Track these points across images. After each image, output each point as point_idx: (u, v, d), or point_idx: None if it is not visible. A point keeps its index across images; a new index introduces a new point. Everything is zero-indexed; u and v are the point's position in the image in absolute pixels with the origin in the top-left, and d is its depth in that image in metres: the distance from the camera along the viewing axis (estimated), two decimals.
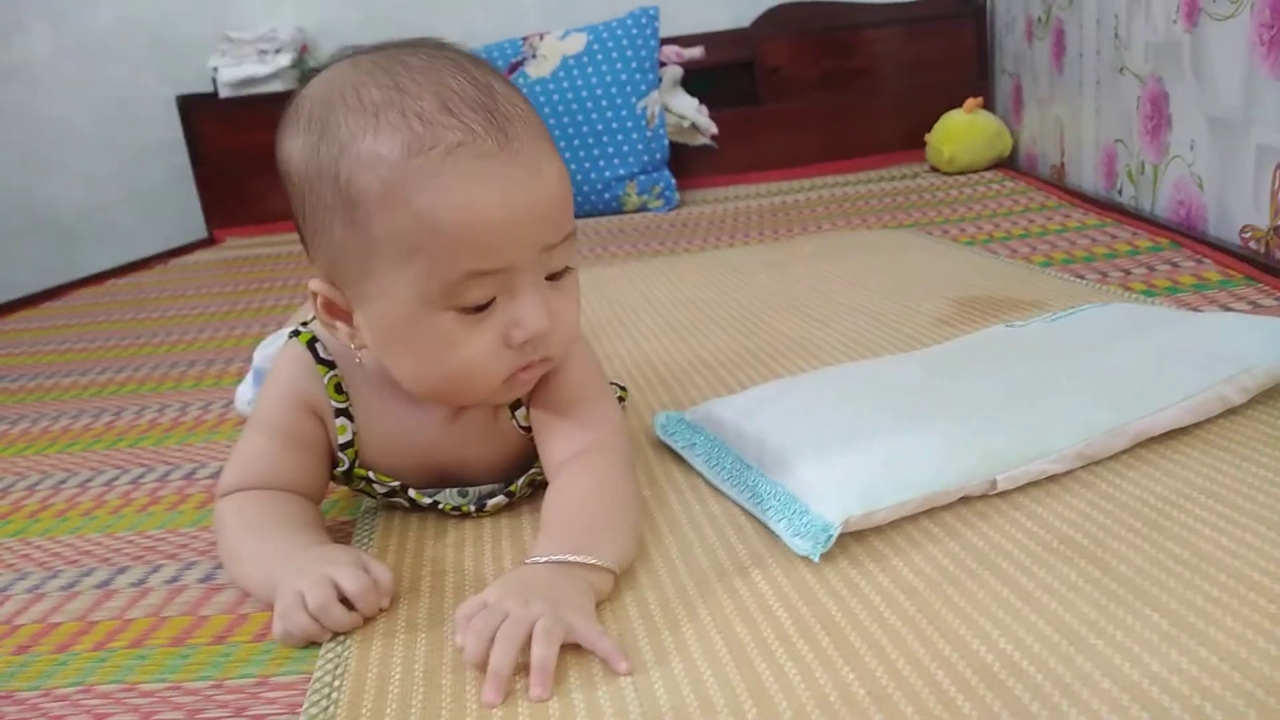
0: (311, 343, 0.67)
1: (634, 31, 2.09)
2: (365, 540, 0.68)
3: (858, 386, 0.72)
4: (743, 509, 0.65)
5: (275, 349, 0.95)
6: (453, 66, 0.58)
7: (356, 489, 0.70)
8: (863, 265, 1.32)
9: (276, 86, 2.25)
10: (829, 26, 2.28)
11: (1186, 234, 1.24)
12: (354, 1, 2.36)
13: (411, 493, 0.68)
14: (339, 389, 0.67)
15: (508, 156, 0.56)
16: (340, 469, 0.68)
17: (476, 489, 0.70)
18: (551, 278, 0.60)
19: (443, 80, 0.57)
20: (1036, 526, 0.59)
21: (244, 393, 0.97)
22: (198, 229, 2.34)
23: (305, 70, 2.34)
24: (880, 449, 0.61)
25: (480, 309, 0.58)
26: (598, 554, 0.56)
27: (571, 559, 0.55)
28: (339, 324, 0.62)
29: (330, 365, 0.67)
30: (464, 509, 0.69)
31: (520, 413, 0.68)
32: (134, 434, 0.99)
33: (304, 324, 0.69)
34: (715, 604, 0.55)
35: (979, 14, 2.21)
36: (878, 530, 0.60)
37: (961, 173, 2.03)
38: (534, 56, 2.11)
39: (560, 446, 0.65)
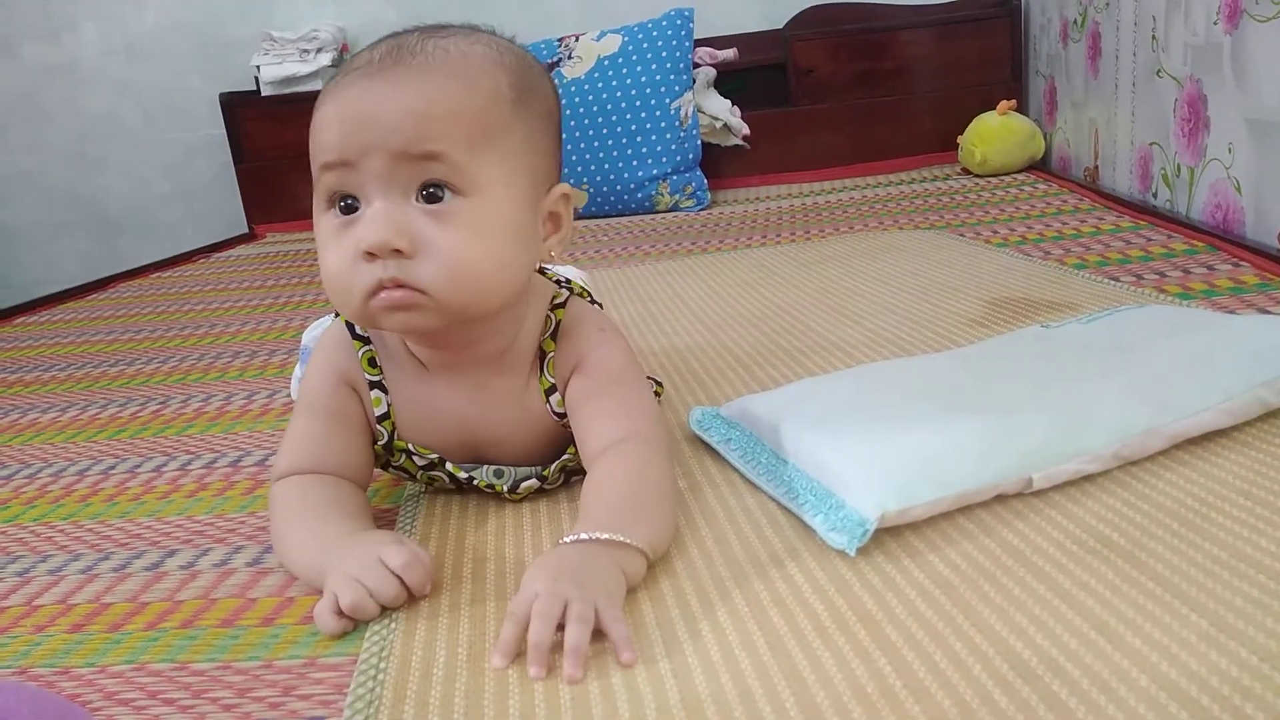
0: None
1: (669, 33, 2.10)
2: (408, 528, 0.70)
3: (893, 384, 0.72)
4: (778, 503, 0.66)
5: (320, 331, 0.98)
6: (439, 30, 0.62)
7: (397, 466, 0.72)
8: (895, 266, 1.32)
9: (317, 85, 2.28)
10: (862, 28, 2.28)
11: (1223, 237, 1.23)
12: (393, 1, 2.38)
13: (449, 466, 0.70)
14: (373, 363, 0.69)
15: (380, 74, 0.59)
16: (380, 442, 0.69)
17: (512, 471, 0.71)
18: (430, 200, 0.59)
19: (406, 35, 0.62)
20: (1073, 525, 0.59)
21: (296, 373, 1.00)
22: (239, 224, 2.38)
23: None
24: (917, 446, 0.62)
25: (348, 212, 0.60)
26: (630, 534, 0.57)
27: (603, 536, 0.56)
28: None
29: (365, 341, 0.69)
30: (498, 489, 0.70)
31: (555, 399, 0.69)
32: (180, 422, 1.02)
33: None
34: (751, 594, 0.56)
35: (1013, 15, 2.20)
36: (913, 526, 0.60)
37: (994, 175, 2.02)
38: (570, 57, 2.13)
39: (597, 435, 0.66)
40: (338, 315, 0.71)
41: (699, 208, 2.07)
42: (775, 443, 0.69)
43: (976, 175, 2.05)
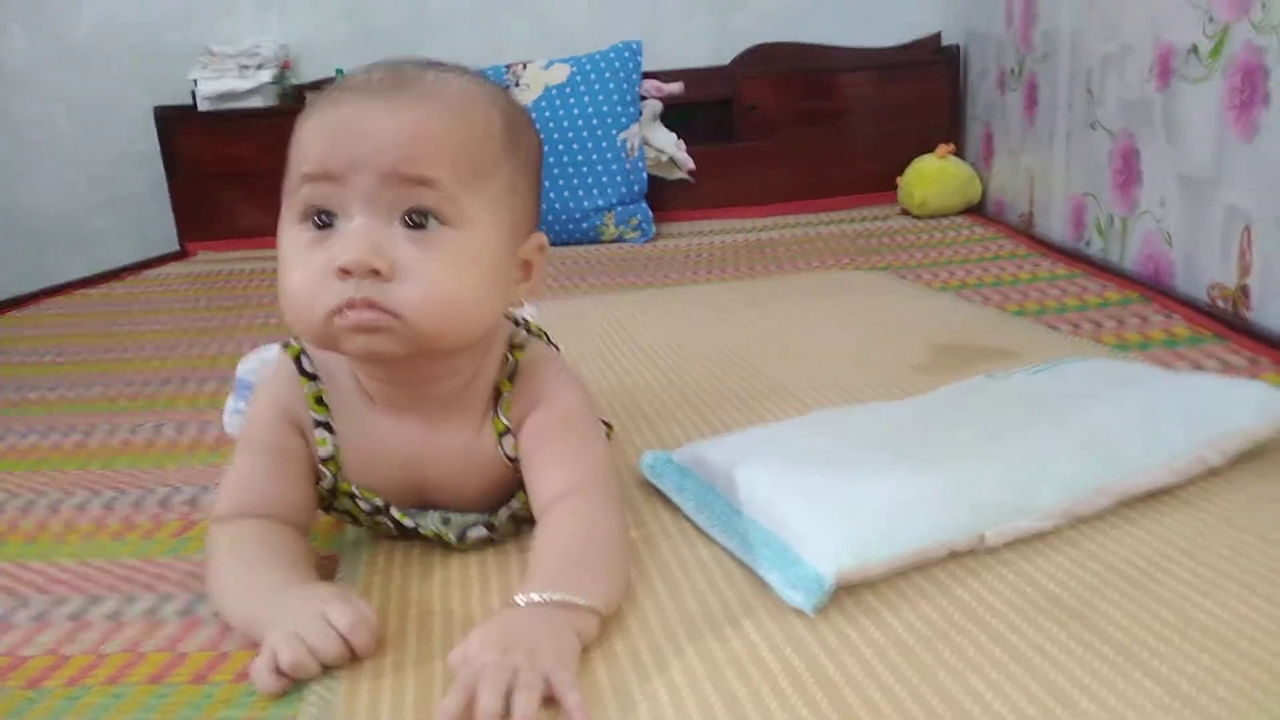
0: (299, 356, 0.67)
1: (616, 64, 2.11)
2: (349, 577, 0.67)
3: (846, 434, 0.72)
4: (732, 556, 0.65)
5: (257, 362, 0.95)
6: (436, 64, 0.63)
7: (340, 510, 0.69)
8: (840, 306, 1.33)
9: (257, 102, 2.23)
10: (806, 68, 2.32)
11: (1155, 288, 1.27)
12: (339, 20, 2.35)
13: (394, 512, 0.68)
14: (320, 401, 0.67)
15: (378, 95, 0.59)
16: (324, 484, 0.67)
17: (459, 518, 0.69)
18: (414, 226, 0.58)
19: (404, 64, 0.62)
20: (1024, 584, 0.59)
21: (230, 405, 0.96)
22: (170, 239, 2.30)
23: (287, 87, 2.33)
24: (873, 501, 0.62)
25: (321, 228, 0.59)
26: (584, 594, 0.55)
27: (555, 598, 0.55)
28: None
29: (313, 378, 0.67)
30: (444, 538, 0.68)
31: (508, 442, 0.67)
32: (106, 454, 0.97)
33: (295, 338, 0.70)
34: (706, 652, 0.55)
35: (951, 63, 2.26)
36: (869, 585, 0.60)
37: (932, 216, 2.06)
38: (517, 85, 2.12)
39: (549, 484, 0.64)
40: (287, 346, 0.69)
41: (644, 239, 2.07)
42: (729, 492, 0.68)
43: (915, 216, 2.09)
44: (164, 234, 2.33)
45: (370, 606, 0.57)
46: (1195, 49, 1.18)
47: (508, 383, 0.68)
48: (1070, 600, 0.57)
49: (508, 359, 0.68)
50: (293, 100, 2.33)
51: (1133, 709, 0.47)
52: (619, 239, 2.08)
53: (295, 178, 0.59)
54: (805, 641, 0.55)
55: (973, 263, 1.60)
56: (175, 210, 2.28)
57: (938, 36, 2.35)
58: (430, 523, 0.69)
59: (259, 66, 2.28)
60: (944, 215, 2.07)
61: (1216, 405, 0.72)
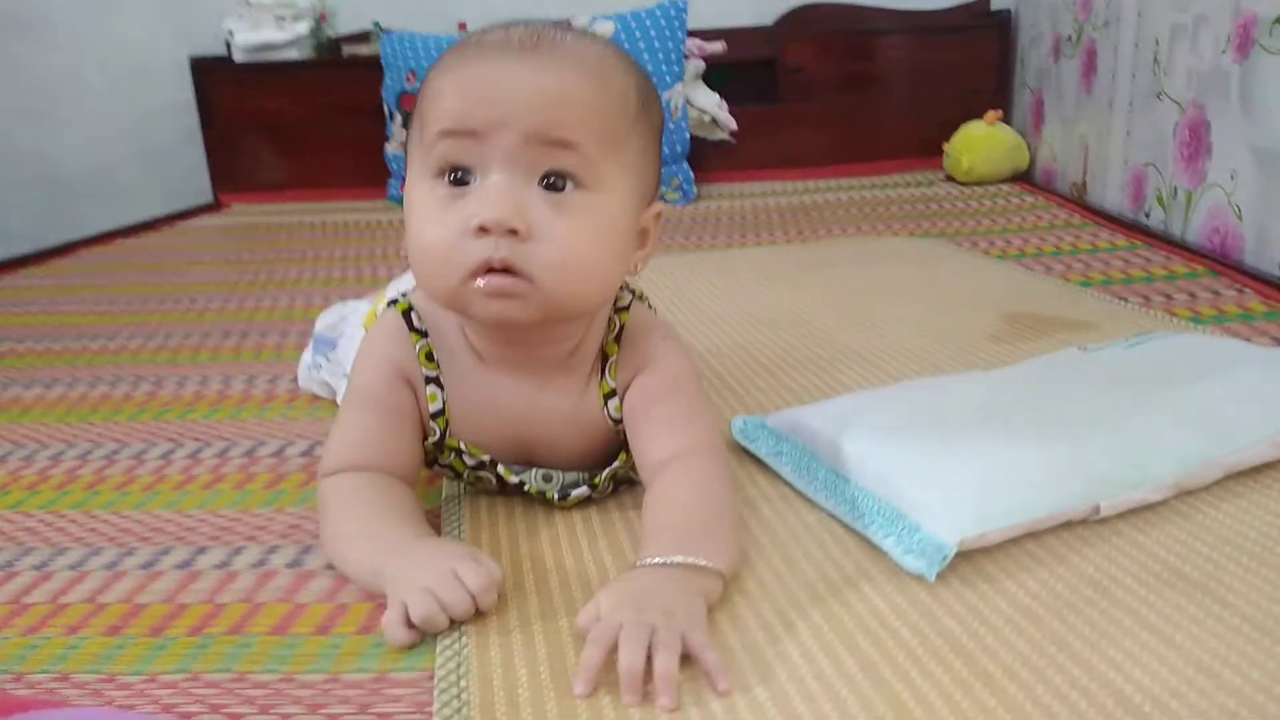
0: (408, 312, 0.67)
1: (662, 23, 2.08)
2: (454, 532, 0.67)
3: (949, 404, 0.72)
4: (839, 521, 0.65)
5: (336, 318, 0.95)
6: (569, 27, 0.62)
7: (444, 464, 0.69)
8: (899, 274, 1.32)
9: (293, 54, 2.21)
10: (850, 30, 2.28)
11: (1222, 261, 1.26)
12: None
13: (500, 469, 0.68)
14: (429, 357, 0.66)
15: (519, 55, 0.58)
16: (431, 439, 0.67)
17: (560, 476, 0.69)
18: (552, 188, 0.58)
19: (538, 25, 0.61)
20: (1143, 555, 0.59)
21: (306, 359, 0.96)
22: (202, 192, 2.29)
23: (323, 39, 2.30)
24: (992, 470, 0.61)
25: (458, 185, 0.58)
26: (708, 557, 0.56)
27: (682, 560, 0.55)
28: None
29: (423, 334, 0.67)
30: (548, 495, 0.68)
31: (613, 404, 0.67)
32: (180, 405, 0.97)
33: (403, 294, 0.70)
34: (832, 617, 0.55)
35: (1001, 27, 2.22)
36: (986, 552, 0.60)
37: (978, 183, 2.04)
38: None
39: (658, 446, 0.64)
40: (393, 304, 0.69)
41: (685, 201, 2.06)
42: (834, 459, 0.68)
43: (960, 183, 2.06)
44: (196, 186, 2.32)
45: (497, 565, 0.57)
46: None
47: (614, 345, 0.68)
48: (1192, 572, 0.57)
49: (614, 322, 0.68)
50: (329, 52, 2.31)
51: (1277, 682, 0.47)
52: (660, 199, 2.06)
53: (430, 133, 0.58)
54: (930, 608, 0.55)
55: (1027, 231, 1.58)
56: (210, 162, 2.27)
57: (986, 1, 2.31)
58: (533, 479, 0.69)
59: (295, 18, 2.25)
60: (990, 183, 2.05)
61: None
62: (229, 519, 0.72)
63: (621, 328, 0.68)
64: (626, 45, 2.06)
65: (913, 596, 0.56)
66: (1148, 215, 1.53)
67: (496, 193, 0.57)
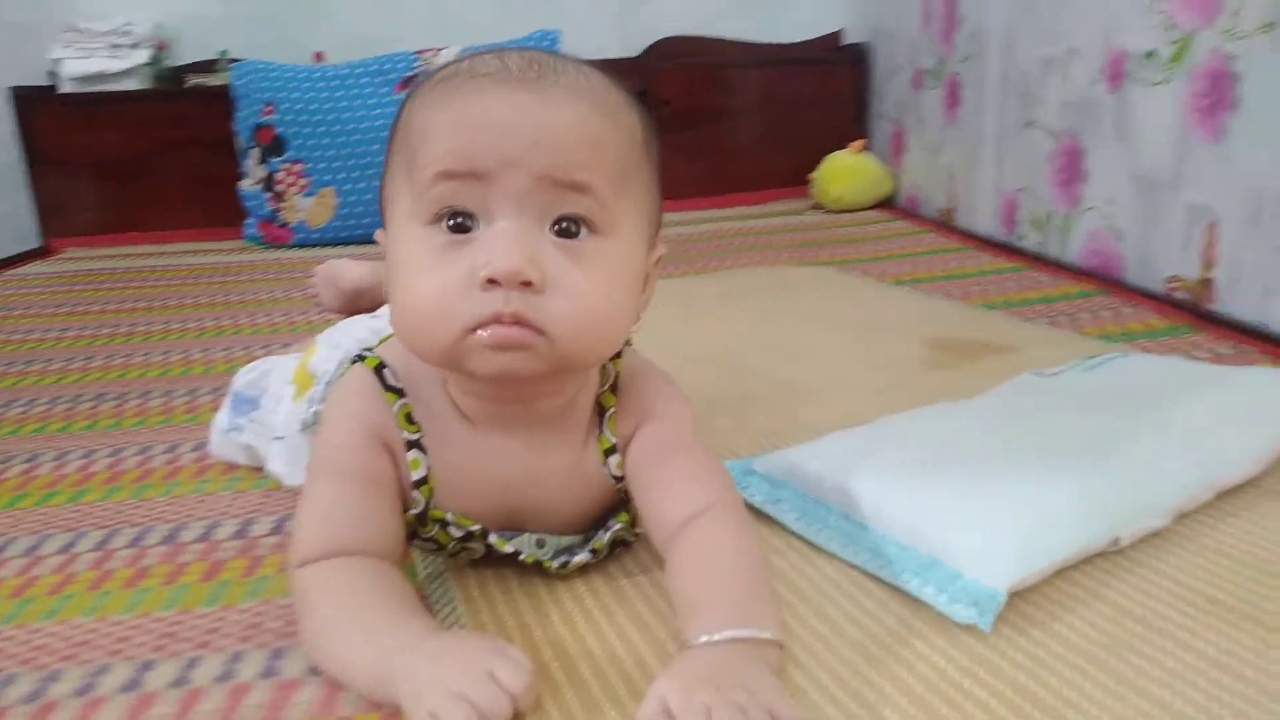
0: (379, 368, 0.60)
1: None
2: (450, 620, 0.60)
3: (952, 440, 0.70)
4: (860, 570, 0.63)
5: (257, 374, 0.85)
6: (553, 55, 0.56)
7: (425, 538, 0.62)
8: (812, 304, 1.33)
9: (130, 85, 2.04)
10: (716, 62, 2.31)
11: (1105, 280, 1.33)
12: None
13: (493, 538, 0.61)
14: (409, 419, 0.59)
15: (527, 84, 0.53)
16: (413, 511, 0.60)
17: (553, 541, 0.63)
18: (564, 235, 0.53)
19: (533, 51, 0.55)
20: (1172, 584, 0.59)
21: (221, 422, 0.85)
22: (28, 237, 2.07)
23: (162, 69, 2.13)
24: (1022, 509, 0.60)
25: (459, 231, 0.52)
26: (765, 627, 0.51)
27: (746, 635, 0.50)
28: (387, 284, 0.58)
29: (400, 393, 0.60)
30: (545, 565, 0.62)
31: (614, 460, 0.62)
32: (67, 487, 0.84)
33: (366, 349, 0.63)
34: (899, 681, 0.51)
35: (856, 60, 2.30)
36: (1019, 594, 0.58)
37: (846, 211, 2.10)
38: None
39: (676, 502, 0.59)
40: (358, 359, 0.61)
41: None
42: (845, 504, 0.65)
43: (829, 211, 2.12)
44: (18, 229, 2.09)
45: (526, 657, 0.50)
46: (1153, 54, 1.24)
47: (610, 396, 0.63)
48: (1228, 599, 0.57)
49: (608, 370, 0.63)
50: (170, 83, 2.14)
51: None
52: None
53: (424, 175, 0.52)
54: (990, 660, 0.53)
55: (909, 256, 1.63)
56: (37, 202, 2.05)
57: (838, 34, 2.39)
58: (528, 547, 0.62)
59: (133, 46, 2.08)
60: (857, 210, 2.11)
61: (1276, 399, 0.74)
62: (168, 623, 0.62)
63: (616, 375, 0.63)
64: None
65: (969, 649, 0.54)
66: (1021, 239, 1.60)
67: (507, 241, 0.51)
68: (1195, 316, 1.14)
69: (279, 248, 2.02)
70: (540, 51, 0.56)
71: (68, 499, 0.82)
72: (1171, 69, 1.20)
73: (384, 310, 0.85)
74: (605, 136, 0.53)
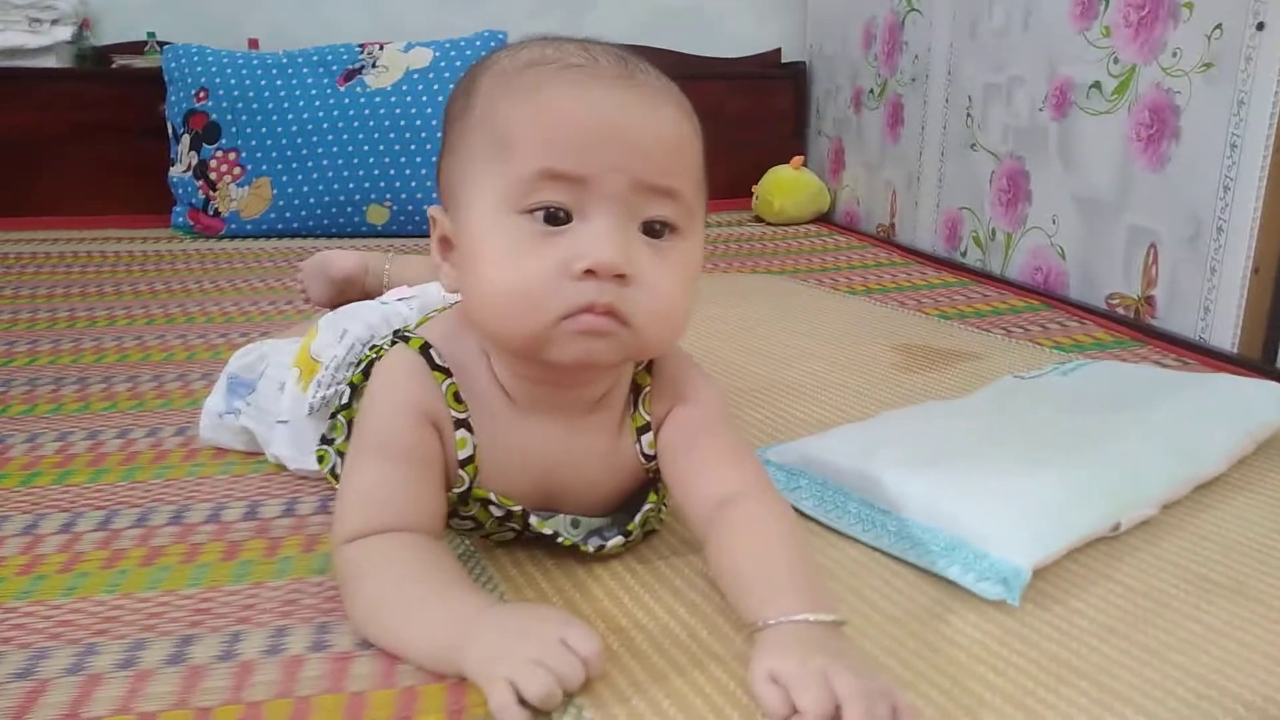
0: (425, 348, 0.60)
1: (482, 52, 2.03)
2: (491, 593, 0.60)
3: (959, 433, 0.74)
4: (883, 553, 0.66)
5: (254, 357, 0.84)
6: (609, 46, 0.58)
7: (465, 516, 0.63)
8: (774, 310, 1.36)
9: (50, 62, 1.95)
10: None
11: (1048, 296, 1.41)
12: None
13: (532, 519, 0.62)
14: (457, 398, 0.60)
15: (623, 82, 0.55)
16: (457, 489, 0.61)
17: (586, 522, 0.65)
18: (650, 234, 0.55)
19: (599, 45, 0.58)
20: (1171, 566, 0.64)
21: (214, 405, 0.83)
22: None
23: (85, 48, 2.04)
24: (1038, 495, 0.64)
25: (553, 223, 0.54)
26: (834, 610, 0.53)
27: (820, 618, 0.51)
28: (445, 264, 0.60)
29: (447, 373, 0.60)
30: (582, 548, 0.63)
31: (646, 439, 0.64)
32: (50, 469, 0.81)
33: (408, 329, 0.64)
34: (941, 651, 0.54)
35: (795, 78, 2.37)
36: (1037, 574, 0.62)
37: (786, 224, 2.16)
38: (374, 66, 1.99)
39: (712, 482, 0.61)
40: (398, 341, 0.61)
41: None
42: (867, 491, 0.68)
43: (770, 223, 2.17)
44: None
45: (593, 629, 0.51)
46: (1098, 85, 1.32)
47: (646, 375, 0.65)
48: (1220, 579, 0.62)
49: None
50: (95, 63, 2.06)
51: None
52: None
53: (525, 169, 0.53)
54: (1024, 634, 0.56)
55: (856, 269, 1.69)
56: None
57: (778, 52, 2.46)
58: (564, 528, 0.64)
59: (54, 22, 2.00)
60: (797, 223, 2.17)
61: (1245, 402, 0.81)
62: (198, 599, 0.61)
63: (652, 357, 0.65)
64: (446, 74, 1.99)
65: (1001, 624, 0.57)
66: (964, 254, 1.68)
67: (606, 236, 0.53)
68: (1138, 331, 1.22)
69: (210, 238, 1.96)
70: (608, 45, 0.58)
71: (54, 480, 0.79)
72: (1116, 100, 1.29)
73: (392, 295, 0.85)
74: (691, 142, 0.57)
